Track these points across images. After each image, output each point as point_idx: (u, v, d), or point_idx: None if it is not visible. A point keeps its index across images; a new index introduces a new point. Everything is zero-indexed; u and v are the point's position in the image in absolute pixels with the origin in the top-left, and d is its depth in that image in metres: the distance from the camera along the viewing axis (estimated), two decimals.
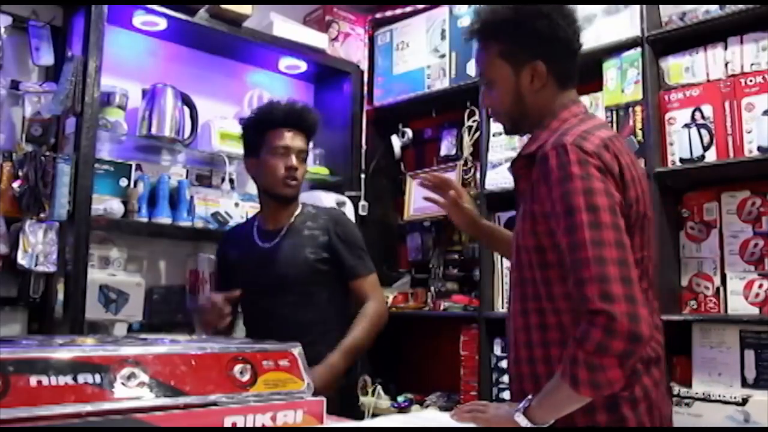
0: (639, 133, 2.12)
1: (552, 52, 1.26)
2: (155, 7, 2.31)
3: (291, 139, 1.88)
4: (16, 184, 2.00)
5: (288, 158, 1.87)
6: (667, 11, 2.15)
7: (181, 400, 0.88)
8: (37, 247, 1.98)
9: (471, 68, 2.64)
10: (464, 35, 1.36)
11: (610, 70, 2.22)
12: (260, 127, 1.90)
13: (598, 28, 2.26)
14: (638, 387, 1.16)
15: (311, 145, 2.03)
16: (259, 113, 1.95)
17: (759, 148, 1.90)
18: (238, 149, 2.60)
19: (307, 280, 1.88)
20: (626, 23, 2.19)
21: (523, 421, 1.13)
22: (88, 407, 0.80)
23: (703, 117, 2.01)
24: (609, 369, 1.03)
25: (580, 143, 1.14)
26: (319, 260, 1.89)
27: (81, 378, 0.81)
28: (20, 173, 2.00)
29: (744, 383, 1.88)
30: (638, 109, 2.13)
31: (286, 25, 2.70)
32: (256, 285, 1.90)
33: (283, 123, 1.88)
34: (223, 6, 2.43)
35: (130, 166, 2.34)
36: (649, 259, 1.23)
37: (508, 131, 1.40)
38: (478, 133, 2.60)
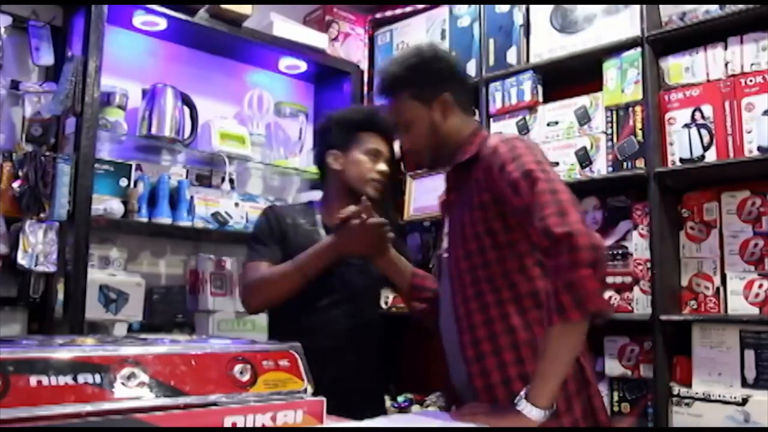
0: (639, 133, 2.12)
1: (453, 85, 1.51)
2: (155, 7, 2.31)
3: (385, 146, 1.87)
4: (16, 184, 2.00)
5: (380, 162, 1.85)
6: (667, 11, 2.15)
7: (181, 400, 0.88)
8: (37, 247, 1.98)
9: (471, 68, 2.64)
10: (376, 93, 1.59)
11: (610, 70, 2.22)
12: (358, 126, 1.87)
13: (598, 28, 2.26)
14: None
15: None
16: (361, 113, 1.94)
17: (759, 148, 1.90)
18: (238, 149, 2.61)
19: (370, 290, 1.89)
20: (626, 23, 2.19)
21: (526, 408, 1.17)
22: (88, 407, 0.80)
23: (703, 117, 2.01)
24: (586, 280, 1.14)
25: (521, 138, 1.41)
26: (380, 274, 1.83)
27: (81, 378, 0.81)
28: (20, 173, 2.00)
29: (744, 383, 1.88)
30: (638, 109, 2.13)
31: (286, 25, 2.71)
32: (321, 287, 1.76)
33: (382, 129, 1.87)
34: (223, 6, 2.43)
35: (130, 166, 2.35)
36: None
37: (430, 166, 1.60)
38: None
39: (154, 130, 2.38)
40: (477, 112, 2.62)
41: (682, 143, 2.04)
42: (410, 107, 1.50)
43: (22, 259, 1.96)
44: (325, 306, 1.78)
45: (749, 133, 1.92)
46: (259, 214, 1.98)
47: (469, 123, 1.54)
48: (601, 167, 2.22)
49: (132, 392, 0.85)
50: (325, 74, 2.94)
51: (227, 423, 0.89)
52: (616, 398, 2.14)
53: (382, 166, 1.86)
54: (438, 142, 1.49)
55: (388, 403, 2.66)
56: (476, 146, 1.44)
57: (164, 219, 2.36)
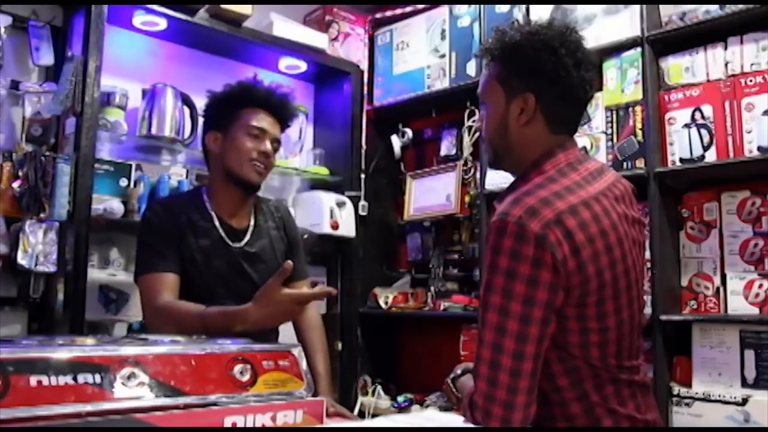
0: (639, 133, 2.12)
1: (547, 89, 1.20)
2: (155, 7, 2.31)
3: (269, 123, 1.71)
4: (16, 184, 2.00)
5: (262, 142, 1.68)
6: (667, 11, 2.15)
7: (181, 400, 0.88)
8: (37, 247, 1.98)
9: (471, 68, 2.64)
10: (479, 54, 1.33)
11: (610, 70, 2.22)
12: (236, 103, 1.70)
13: (598, 28, 2.26)
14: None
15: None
16: (239, 88, 1.74)
17: (759, 148, 1.90)
18: None
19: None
20: (626, 23, 2.19)
21: None
22: (88, 407, 0.80)
23: (703, 117, 2.01)
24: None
25: (525, 222, 1.06)
26: None
27: (81, 378, 0.81)
28: (20, 173, 2.00)
29: (744, 383, 1.88)
30: (638, 109, 2.13)
31: (286, 25, 2.70)
32: (226, 290, 1.64)
33: (263, 104, 1.70)
34: (223, 6, 2.43)
35: (130, 166, 2.34)
36: (627, 319, 1.16)
37: (491, 164, 1.34)
38: (478, 133, 2.60)
39: (154, 130, 2.38)
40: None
41: (682, 143, 2.04)
42: (492, 88, 1.25)
43: (22, 259, 1.96)
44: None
45: (749, 133, 1.92)
46: (145, 212, 1.79)
47: (549, 143, 1.21)
48: None
49: (132, 392, 0.85)
50: (325, 74, 2.94)
51: (227, 423, 0.89)
52: None
53: (267, 146, 1.68)
54: (503, 146, 1.25)
55: (387, 403, 2.66)
56: (526, 185, 1.18)
57: None
